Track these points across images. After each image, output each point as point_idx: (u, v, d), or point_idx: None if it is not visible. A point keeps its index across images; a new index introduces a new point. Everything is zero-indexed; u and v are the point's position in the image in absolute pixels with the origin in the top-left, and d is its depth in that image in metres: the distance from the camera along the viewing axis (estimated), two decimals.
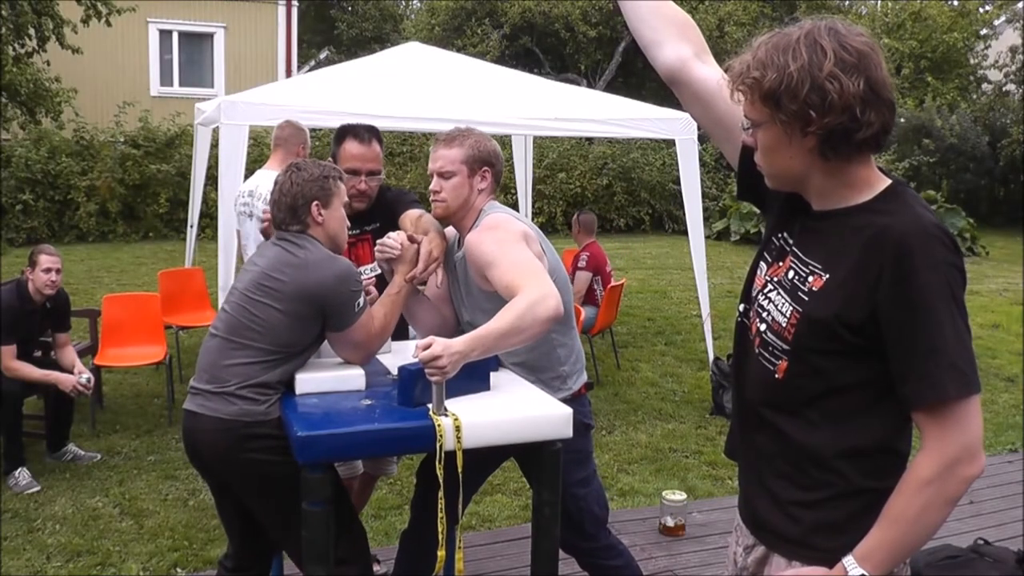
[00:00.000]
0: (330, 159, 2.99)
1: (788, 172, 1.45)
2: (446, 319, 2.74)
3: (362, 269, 2.99)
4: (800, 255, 1.49)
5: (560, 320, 2.32)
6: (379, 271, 2.99)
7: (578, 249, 6.88)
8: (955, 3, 21.30)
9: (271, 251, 2.48)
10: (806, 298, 1.44)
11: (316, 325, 2.42)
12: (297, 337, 2.39)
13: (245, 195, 4.35)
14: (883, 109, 1.37)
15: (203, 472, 2.59)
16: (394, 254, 2.55)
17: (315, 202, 2.48)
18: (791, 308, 1.46)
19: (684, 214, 6.72)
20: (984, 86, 20.89)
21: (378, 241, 2.60)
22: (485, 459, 2.41)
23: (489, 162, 2.59)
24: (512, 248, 2.40)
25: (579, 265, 6.57)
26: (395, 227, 2.93)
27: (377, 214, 3.10)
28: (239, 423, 2.33)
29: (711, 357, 6.36)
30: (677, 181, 8.90)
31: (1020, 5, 20.18)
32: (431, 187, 2.59)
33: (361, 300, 2.45)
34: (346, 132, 3.08)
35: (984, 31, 21.01)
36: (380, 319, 2.51)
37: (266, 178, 4.32)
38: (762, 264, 1.58)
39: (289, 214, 2.49)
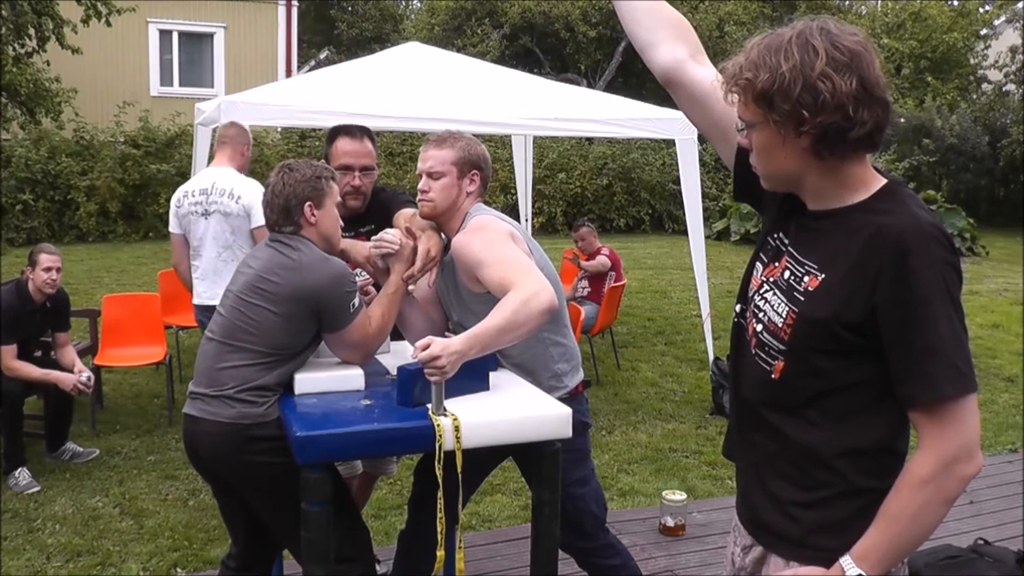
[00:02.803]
0: (323, 160, 2.99)
1: (783, 172, 1.46)
2: (435, 322, 2.74)
3: (358, 271, 2.98)
4: (796, 255, 1.49)
5: (554, 315, 2.32)
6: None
7: (584, 256, 6.98)
8: (955, 3, 21.31)
9: (264, 253, 2.47)
10: (802, 298, 1.44)
11: (312, 327, 2.42)
12: (293, 339, 2.39)
13: (195, 194, 4.24)
14: (876, 107, 1.37)
15: (204, 474, 2.59)
16: (392, 250, 2.54)
17: (308, 203, 2.47)
18: (787, 308, 1.46)
19: (684, 214, 6.72)
20: (984, 86, 20.89)
21: (374, 237, 2.59)
22: (484, 459, 2.41)
23: (478, 166, 2.60)
24: (501, 247, 2.41)
25: (603, 252, 6.77)
26: (390, 227, 2.93)
27: (372, 215, 3.10)
28: (238, 425, 2.33)
29: (711, 357, 6.36)
30: (677, 181, 8.93)
31: (1020, 5, 20.19)
32: (419, 187, 2.59)
33: (356, 301, 2.45)
34: (338, 131, 3.10)
35: (984, 31, 21.03)
36: (377, 319, 2.50)
37: (220, 175, 4.29)
38: (758, 265, 1.58)
39: (282, 215, 2.48)
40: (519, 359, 2.55)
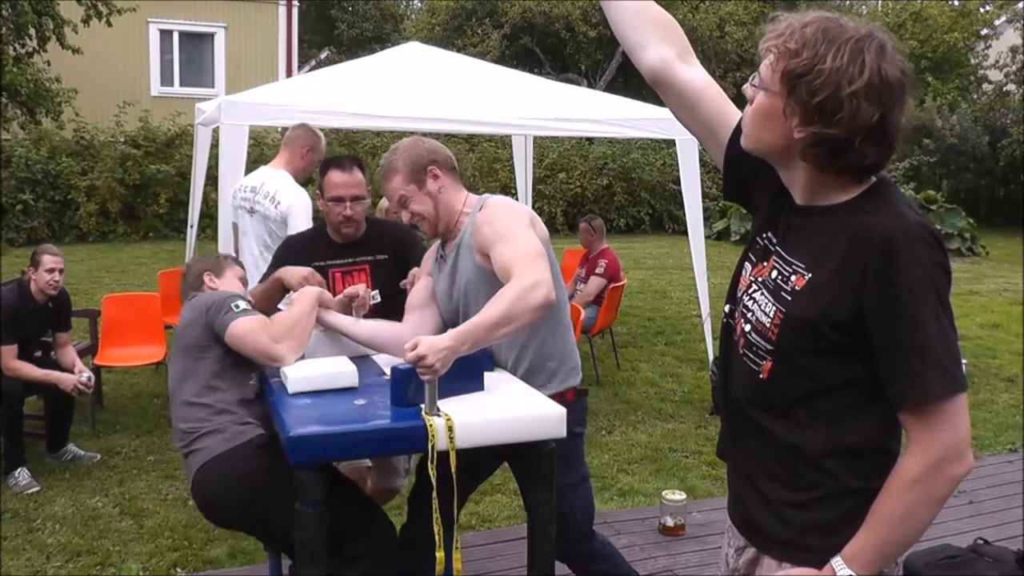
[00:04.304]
0: (317, 191, 3.23)
1: (767, 143, 1.44)
2: (403, 335, 2.65)
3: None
4: (783, 254, 1.48)
5: (553, 311, 2.30)
6: (378, 299, 3.05)
7: (585, 251, 6.95)
8: (955, 3, 21.31)
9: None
10: (789, 298, 1.43)
11: (213, 343, 2.63)
12: (203, 363, 2.63)
13: (246, 190, 4.31)
14: (882, 149, 1.36)
15: (230, 523, 2.73)
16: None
17: (207, 272, 2.92)
18: (774, 308, 1.45)
19: (684, 214, 6.72)
20: (984, 86, 20.88)
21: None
22: (477, 466, 2.40)
23: (429, 161, 2.59)
24: (520, 231, 2.41)
25: (596, 271, 6.65)
26: (403, 260, 3.16)
27: (379, 246, 3.22)
28: (216, 458, 2.49)
29: (711, 357, 6.34)
30: (677, 181, 8.95)
31: (1020, 5, 20.17)
32: (404, 221, 2.67)
33: (240, 303, 2.63)
34: (329, 164, 3.23)
35: (984, 31, 21.03)
36: (282, 313, 2.68)
37: (270, 176, 4.31)
38: (747, 264, 1.57)
39: (188, 286, 2.95)
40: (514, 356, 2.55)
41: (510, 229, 2.40)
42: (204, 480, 2.50)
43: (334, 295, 3.05)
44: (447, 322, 2.68)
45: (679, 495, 4.03)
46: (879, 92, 1.32)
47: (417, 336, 2.16)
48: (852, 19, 1.37)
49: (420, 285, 2.75)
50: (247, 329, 2.57)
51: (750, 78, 1.44)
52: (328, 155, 3.99)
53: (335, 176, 3.16)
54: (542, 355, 2.57)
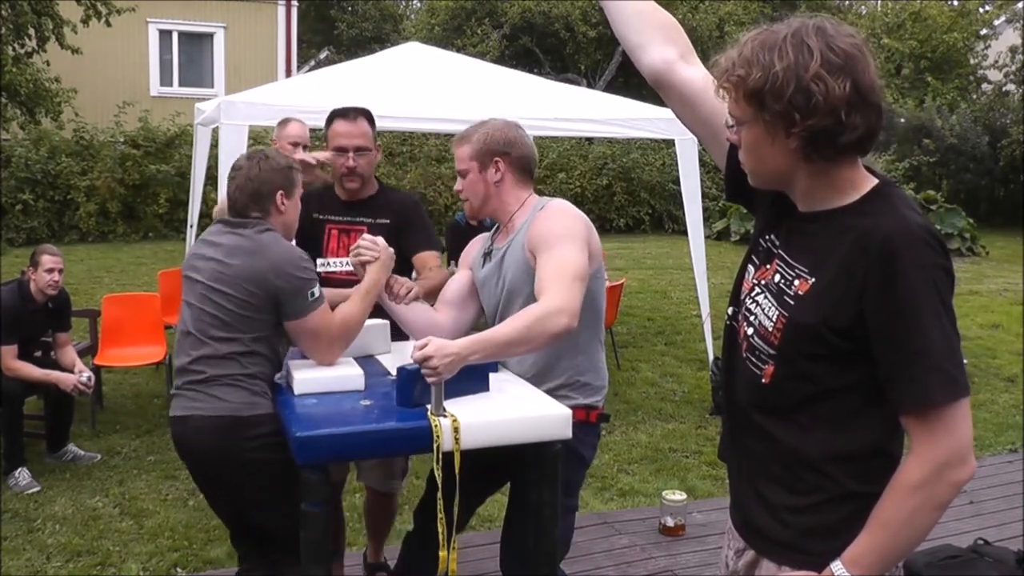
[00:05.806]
0: (324, 143, 3.10)
1: (771, 171, 1.44)
2: (458, 323, 2.64)
3: (338, 260, 2.98)
4: (786, 258, 1.47)
5: (567, 337, 2.25)
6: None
7: None
8: (955, 3, 21.32)
9: (226, 239, 2.47)
10: (792, 302, 1.42)
11: (268, 311, 2.42)
12: (249, 324, 2.40)
13: None
14: (869, 113, 1.35)
15: (199, 476, 2.58)
16: (370, 256, 2.53)
17: (280, 191, 2.52)
18: (777, 312, 1.44)
19: (684, 214, 6.72)
20: (984, 86, 20.90)
21: (356, 243, 2.58)
22: (480, 483, 2.37)
23: (500, 152, 2.52)
24: (571, 242, 2.34)
25: None
26: (403, 229, 3.03)
27: (381, 210, 3.10)
28: (229, 418, 2.37)
29: (711, 357, 6.36)
30: (677, 181, 8.95)
31: (1020, 5, 20.19)
32: (455, 187, 2.60)
33: (316, 290, 2.44)
34: (335, 114, 3.10)
35: (984, 31, 21.05)
36: (344, 314, 2.50)
37: None
38: (750, 267, 1.56)
39: (252, 199, 2.51)
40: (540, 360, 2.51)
41: (562, 237, 2.33)
42: (201, 430, 2.39)
43: (328, 250, 3.03)
44: (486, 313, 2.63)
45: (679, 495, 4.03)
46: (839, 65, 1.32)
47: (429, 336, 2.15)
48: (781, 23, 1.38)
49: (459, 277, 2.70)
50: (313, 330, 2.45)
51: (725, 122, 1.45)
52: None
53: (339, 126, 3.03)
54: (576, 369, 2.51)
